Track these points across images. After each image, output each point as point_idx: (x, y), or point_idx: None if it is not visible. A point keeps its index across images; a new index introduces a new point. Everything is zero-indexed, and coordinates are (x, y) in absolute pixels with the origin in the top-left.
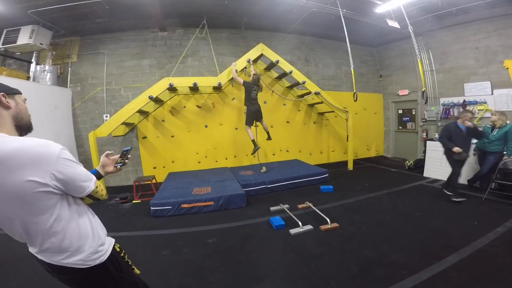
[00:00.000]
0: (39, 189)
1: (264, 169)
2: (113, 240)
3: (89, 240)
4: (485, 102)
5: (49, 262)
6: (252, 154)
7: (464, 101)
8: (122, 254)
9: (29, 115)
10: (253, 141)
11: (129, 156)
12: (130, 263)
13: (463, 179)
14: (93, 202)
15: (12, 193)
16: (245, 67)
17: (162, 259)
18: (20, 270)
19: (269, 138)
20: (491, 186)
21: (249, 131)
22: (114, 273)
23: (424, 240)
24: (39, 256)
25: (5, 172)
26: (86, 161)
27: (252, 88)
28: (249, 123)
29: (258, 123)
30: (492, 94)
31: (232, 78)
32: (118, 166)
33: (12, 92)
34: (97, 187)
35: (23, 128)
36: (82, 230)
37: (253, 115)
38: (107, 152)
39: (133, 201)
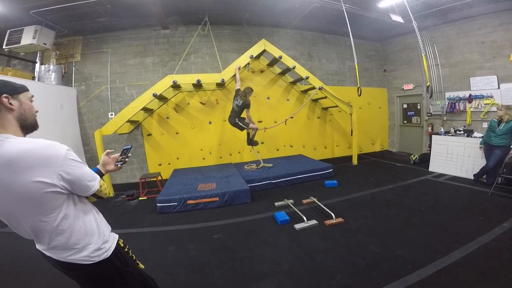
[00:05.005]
0: (47, 190)
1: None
2: (116, 236)
3: (94, 237)
4: (491, 96)
5: (56, 258)
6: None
7: (470, 95)
8: (126, 249)
9: (35, 114)
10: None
11: (129, 154)
12: (134, 258)
13: (469, 174)
14: (97, 200)
15: (21, 194)
16: (248, 63)
17: (168, 255)
18: (31, 268)
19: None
20: (497, 181)
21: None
22: (119, 267)
23: (430, 235)
24: (47, 253)
25: (13, 174)
26: (92, 159)
27: (234, 98)
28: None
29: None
30: (498, 88)
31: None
32: (119, 165)
33: (16, 92)
34: (101, 186)
35: (28, 127)
36: (88, 228)
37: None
38: (108, 150)
39: (139, 198)
